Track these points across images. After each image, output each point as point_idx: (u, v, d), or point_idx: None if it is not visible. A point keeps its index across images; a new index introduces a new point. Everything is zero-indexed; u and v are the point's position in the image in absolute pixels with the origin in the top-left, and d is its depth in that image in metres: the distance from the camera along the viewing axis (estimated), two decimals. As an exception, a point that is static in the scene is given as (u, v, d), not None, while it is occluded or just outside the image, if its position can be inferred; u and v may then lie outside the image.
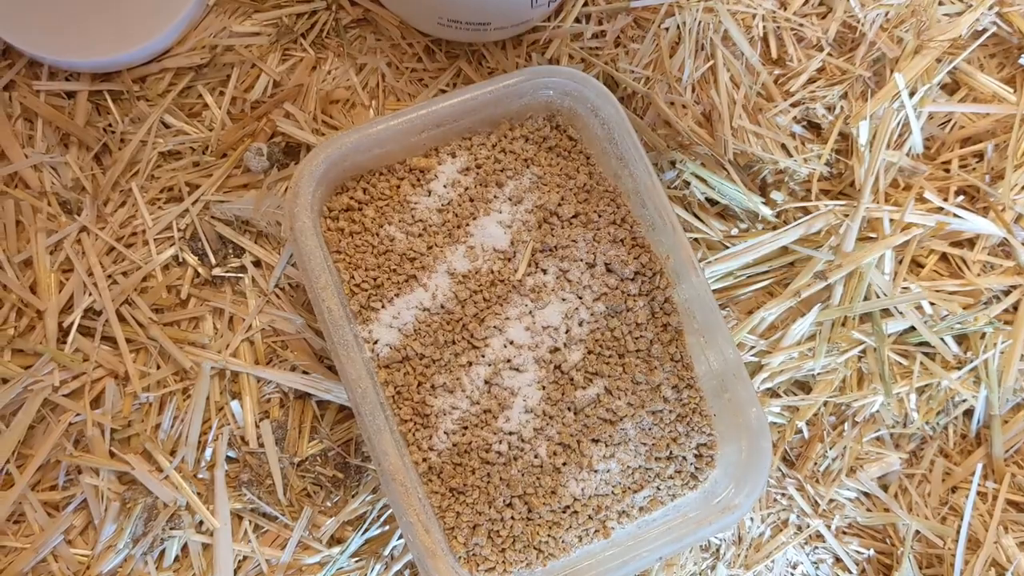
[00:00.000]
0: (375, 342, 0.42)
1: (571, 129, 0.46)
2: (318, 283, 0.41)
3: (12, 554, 0.43)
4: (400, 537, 0.45)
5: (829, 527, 0.48)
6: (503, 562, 0.41)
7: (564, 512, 0.42)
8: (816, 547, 0.48)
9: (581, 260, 0.44)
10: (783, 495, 0.48)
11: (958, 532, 0.48)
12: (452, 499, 0.41)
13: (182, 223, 0.47)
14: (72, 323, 0.45)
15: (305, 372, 0.46)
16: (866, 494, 0.49)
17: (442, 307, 0.43)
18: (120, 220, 0.46)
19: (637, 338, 0.44)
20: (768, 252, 0.49)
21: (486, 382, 0.42)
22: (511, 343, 0.43)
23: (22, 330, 0.45)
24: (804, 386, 0.49)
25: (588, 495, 0.42)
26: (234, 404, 0.45)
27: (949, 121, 0.52)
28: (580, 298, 0.44)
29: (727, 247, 0.49)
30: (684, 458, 0.43)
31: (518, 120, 0.45)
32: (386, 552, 0.45)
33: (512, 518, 0.41)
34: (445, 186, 0.44)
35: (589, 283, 0.44)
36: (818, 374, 0.49)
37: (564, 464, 0.42)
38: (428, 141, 0.45)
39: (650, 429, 0.43)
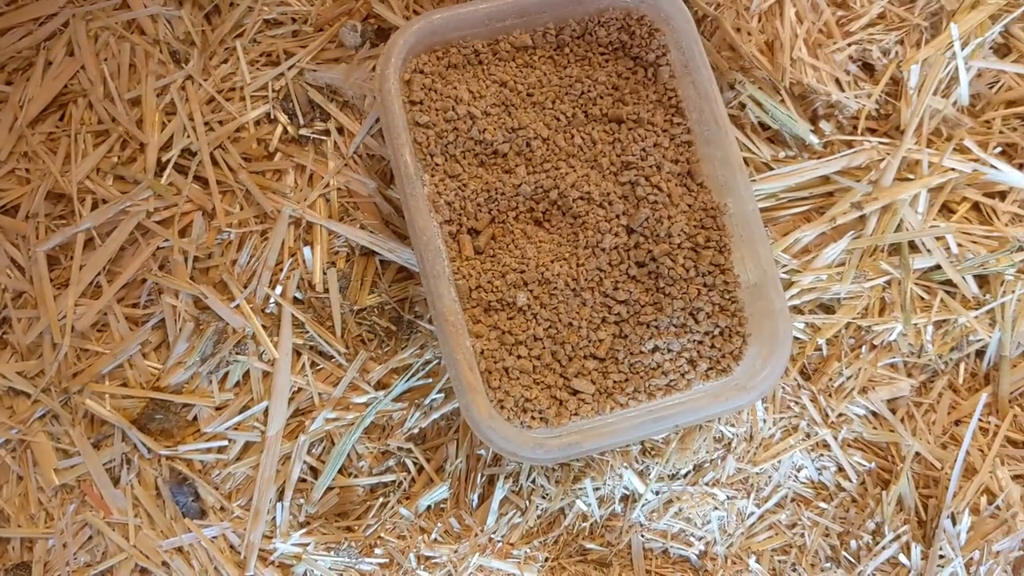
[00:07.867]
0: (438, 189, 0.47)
1: (643, 35, 0.49)
2: (398, 140, 0.45)
3: (93, 357, 0.48)
4: (439, 391, 0.49)
5: (836, 437, 0.51)
6: (530, 410, 0.45)
7: (592, 375, 0.46)
8: (821, 455, 0.51)
9: (636, 156, 0.48)
10: (796, 403, 0.52)
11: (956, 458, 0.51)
12: (494, 344, 0.45)
13: (277, 85, 0.51)
14: (170, 159, 0.50)
15: (372, 232, 0.50)
16: (874, 413, 0.52)
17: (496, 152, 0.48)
18: (222, 75, 0.51)
19: (675, 233, 0.48)
20: (810, 179, 0.52)
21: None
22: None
23: (124, 160, 0.50)
24: (828, 309, 0.53)
25: (621, 364, 0.46)
26: (306, 250, 0.50)
27: (997, 82, 0.55)
28: (631, 199, 0.48)
29: (772, 170, 0.52)
30: (716, 347, 0.47)
31: (596, 20, 0.49)
32: (426, 402, 0.49)
33: (544, 373, 0.45)
34: (522, 67, 0.49)
35: (647, 181, 0.48)
36: (843, 298, 0.52)
37: (606, 333, 0.46)
38: (510, 30, 0.48)
39: (691, 315, 0.47)
